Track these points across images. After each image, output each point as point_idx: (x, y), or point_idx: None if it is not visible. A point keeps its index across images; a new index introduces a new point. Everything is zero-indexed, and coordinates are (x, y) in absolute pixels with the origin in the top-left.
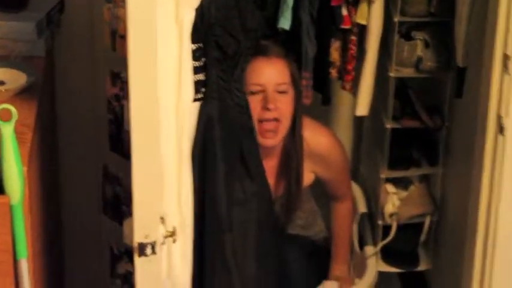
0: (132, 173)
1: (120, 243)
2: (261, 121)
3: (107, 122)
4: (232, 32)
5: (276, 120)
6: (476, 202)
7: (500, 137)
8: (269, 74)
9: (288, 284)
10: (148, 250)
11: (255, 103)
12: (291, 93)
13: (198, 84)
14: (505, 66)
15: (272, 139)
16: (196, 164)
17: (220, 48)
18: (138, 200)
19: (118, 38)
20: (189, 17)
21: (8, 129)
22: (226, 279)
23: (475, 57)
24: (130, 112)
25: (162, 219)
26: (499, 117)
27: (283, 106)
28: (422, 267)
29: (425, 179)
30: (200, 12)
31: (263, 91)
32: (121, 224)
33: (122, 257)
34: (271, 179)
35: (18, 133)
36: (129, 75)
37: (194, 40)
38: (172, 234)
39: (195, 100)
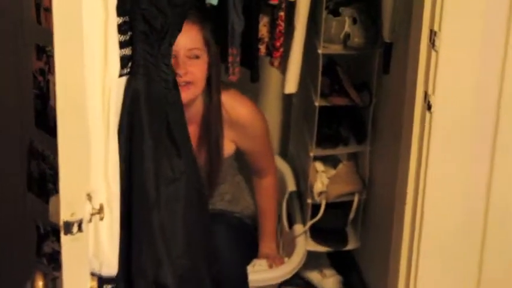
0: (58, 150)
1: (46, 221)
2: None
3: (33, 98)
4: (159, 5)
5: (188, 83)
6: (404, 180)
7: (427, 114)
8: (180, 39)
9: (216, 261)
10: (75, 228)
11: (173, 62)
12: (204, 57)
13: (124, 59)
14: (431, 41)
15: (182, 92)
16: (123, 140)
17: (147, 22)
18: (64, 177)
19: (43, 10)
20: None
21: None
22: (154, 256)
23: (402, 33)
24: (55, 87)
25: (89, 196)
26: (426, 94)
27: (195, 70)
28: (350, 246)
29: (353, 157)
30: None
31: (174, 56)
32: (47, 202)
33: (48, 235)
34: (193, 139)
35: None
36: (54, 49)
37: (120, 13)
38: (99, 211)
39: (122, 75)
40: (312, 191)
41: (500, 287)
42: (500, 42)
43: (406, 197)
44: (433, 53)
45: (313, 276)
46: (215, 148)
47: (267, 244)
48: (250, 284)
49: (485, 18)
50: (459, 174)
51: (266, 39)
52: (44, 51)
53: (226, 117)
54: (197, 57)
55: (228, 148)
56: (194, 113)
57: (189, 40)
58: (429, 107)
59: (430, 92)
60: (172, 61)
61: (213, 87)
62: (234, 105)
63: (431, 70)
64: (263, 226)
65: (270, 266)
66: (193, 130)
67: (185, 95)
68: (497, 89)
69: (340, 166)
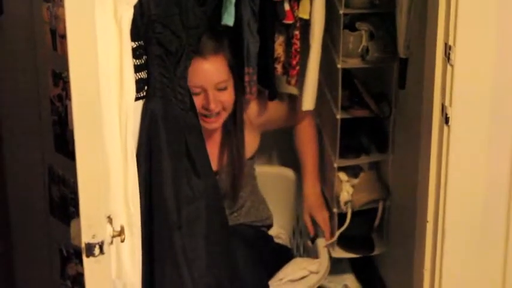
0: (77, 173)
1: (68, 244)
2: (205, 114)
3: (51, 124)
4: (173, 28)
5: (219, 113)
6: (425, 191)
7: (445, 127)
8: (207, 75)
9: (238, 278)
10: (97, 250)
11: (197, 102)
12: (230, 85)
13: (140, 83)
14: (446, 55)
15: (215, 123)
16: (143, 162)
17: (162, 46)
18: (84, 200)
19: (58, 37)
20: (127, 14)
21: None
22: (176, 276)
23: (418, 47)
24: (72, 112)
25: (109, 218)
26: (443, 107)
27: (225, 99)
28: (377, 251)
29: (374, 165)
30: (139, 9)
31: (204, 91)
32: (69, 225)
33: (71, 258)
34: (214, 150)
35: None
36: (70, 74)
37: (134, 38)
38: (120, 233)
39: (138, 98)
40: (338, 201)
41: None
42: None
43: (427, 211)
44: (449, 67)
45: (336, 285)
46: (237, 151)
47: (311, 183)
48: None
49: (499, 31)
50: (479, 186)
51: (282, 58)
52: (61, 77)
53: (247, 122)
54: (225, 88)
55: (253, 144)
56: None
57: (216, 74)
58: (447, 121)
59: (447, 104)
60: (202, 96)
61: (237, 106)
62: (254, 110)
63: (448, 84)
64: (305, 167)
65: (311, 224)
66: (216, 136)
67: (217, 124)
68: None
69: (362, 175)
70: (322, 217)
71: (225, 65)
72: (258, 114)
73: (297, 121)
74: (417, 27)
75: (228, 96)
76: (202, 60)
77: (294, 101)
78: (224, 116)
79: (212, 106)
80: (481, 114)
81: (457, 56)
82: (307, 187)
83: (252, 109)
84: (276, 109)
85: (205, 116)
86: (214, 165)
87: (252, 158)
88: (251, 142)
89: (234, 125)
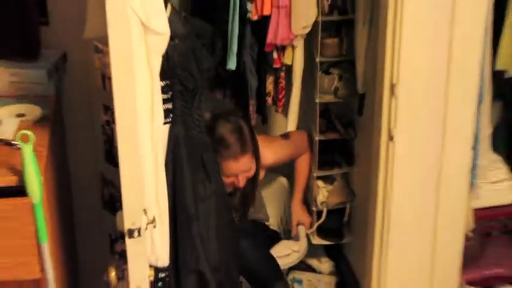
0: (120, 178)
1: (115, 230)
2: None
3: (103, 142)
4: (191, 72)
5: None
6: (375, 193)
7: (390, 144)
8: (238, 169)
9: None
10: (136, 234)
11: (228, 181)
12: (253, 166)
13: (166, 112)
14: (391, 91)
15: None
16: (169, 171)
17: (182, 84)
18: (126, 198)
19: (106, 79)
20: (157, 62)
21: (28, 149)
22: (194, 255)
23: (372, 85)
24: (117, 133)
25: (145, 210)
26: (389, 128)
27: (250, 174)
28: (346, 240)
29: (344, 175)
30: (166, 58)
31: (235, 176)
32: (115, 215)
33: (117, 239)
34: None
35: (36, 151)
36: (115, 106)
37: (162, 78)
38: (152, 221)
39: (165, 123)
40: (316, 201)
41: (447, 267)
42: (441, 92)
43: (377, 206)
44: (393, 99)
45: (313, 262)
46: (251, 192)
47: (299, 194)
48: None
49: (431, 73)
50: (414, 188)
51: (272, 93)
52: (109, 108)
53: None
54: (249, 170)
55: (261, 175)
56: None
57: (244, 167)
58: (391, 138)
59: (392, 127)
60: (232, 178)
61: (256, 174)
62: (263, 154)
63: (392, 111)
64: (297, 183)
65: (296, 227)
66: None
67: (243, 183)
68: (442, 127)
69: (335, 183)
70: (307, 221)
71: (251, 157)
72: (268, 161)
73: (297, 156)
74: (371, 71)
75: (252, 172)
76: (234, 162)
77: (295, 143)
78: (248, 176)
79: (241, 184)
80: (417, 133)
81: (399, 91)
82: (296, 202)
83: (264, 159)
84: (282, 154)
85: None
86: (230, 188)
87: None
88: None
89: (251, 185)
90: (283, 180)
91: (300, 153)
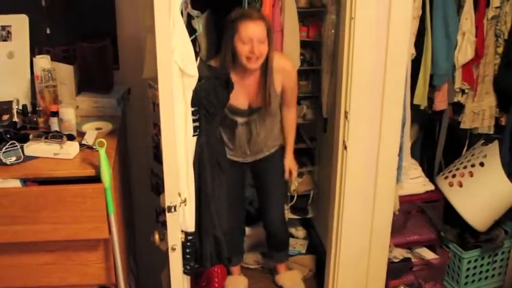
0: (164, 171)
1: (159, 206)
2: (248, 57)
3: (152, 147)
4: (212, 101)
5: (258, 57)
6: (334, 184)
7: (345, 151)
8: (254, 31)
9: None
10: (173, 209)
11: (246, 48)
12: (266, 41)
13: (195, 128)
14: (345, 116)
15: (255, 64)
16: (196, 167)
17: (206, 110)
18: (166, 184)
19: (156, 105)
20: (189, 95)
21: (102, 151)
22: (211, 222)
23: (332, 111)
24: (162, 142)
25: (179, 194)
26: (344, 142)
27: (262, 49)
28: (310, 215)
29: (310, 172)
30: (195, 92)
31: (250, 42)
32: (159, 196)
33: (160, 213)
34: (255, 83)
35: (108, 153)
36: (161, 124)
37: (192, 105)
38: (184, 201)
39: (194, 135)
40: (290, 189)
41: (381, 235)
42: (377, 118)
43: (335, 192)
44: (346, 122)
45: (292, 230)
46: (269, 87)
47: (290, 153)
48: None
49: (370, 106)
50: (360, 182)
51: None
52: (156, 125)
53: (277, 66)
54: (263, 42)
55: (278, 86)
56: (256, 69)
57: (259, 32)
58: (345, 148)
59: (345, 139)
60: (249, 45)
61: (269, 56)
62: (281, 60)
63: (346, 130)
64: (287, 141)
65: (289, 173)
66: (255, 77)
67: (255, 65)
68: (378, 141)
69: (304, 177)
70: (295, 168)
71: (265, 28)
72: (282, 62)
73: (290, 100)
74: (332, 103)
75: (264, 48)
76: (252, 22)
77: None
78: (260, 61)
79: (255, 51)
80: (362, 145)
81: (350, 116)
82: (288, 156)
83: (279, 58)
84: (291, 67)
85: (250, 58)
86: (255, 91)
87: (279, 93)
88: (278, 83)
89: (266, 68)
90: None
91: (294, 99)
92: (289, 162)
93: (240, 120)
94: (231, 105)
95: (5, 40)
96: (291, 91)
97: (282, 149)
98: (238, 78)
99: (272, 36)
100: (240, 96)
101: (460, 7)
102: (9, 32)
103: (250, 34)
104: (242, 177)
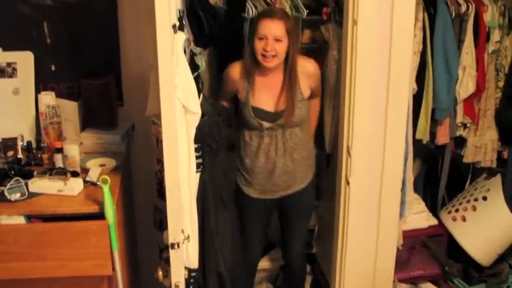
0: (167, 208)
1: (162, 243)
2: (263, 55)
3: (155, 183)
4: (215, 137)
5: (273, 55)
6: (337, 219)
7: (347, 186)
8: (270, 29)
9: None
10: (176, 246)
11: (261, 45)
12: (285, 41)
13: (198, 164)
14: (348, 152)
15: (271, 63)
16: (199, 203)
17: (209, 146)
18: (170, 221)
19: (159, 142)
20: (192, 132)
21: (106, 188)
22: (215, 259)
23: (335, 148)
24: (165, 178)
25: (182, 230)
26: (346, 177)
27: (278, 48)
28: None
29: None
30: (198, 128)
31: (266, 38)
32: (163, 233)
33: (164, 250)
34: (277, 91)
35: (112, 189)
36: (164, 160)
37: (195, 142)
38: (187, 238)
39: (197, 172)
40: None
41: (385, 270)
42: (380, 153)
43: (339, 229)
44: (349, 158)
45: None
46: (293, 88)
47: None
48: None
49: (372, 142)
50: (363, 217)
51: None
52: (160, 161)
53: (303, 70)
54: (280, 40)
55: (307, 91)
56: (278, 70)
57: (275, 30)
58: (348, 183)
59: (348, 175)
60: (264, 42)
61: (290, 55)
62: (304, 62)
63: (349, 166)
64: (312, 126)
65: None
66: (279, 78)
67: (271, 63)
68: (380, 176)
69: None
70: None
71: (283, 27)
72: (308, 66)
73: (317, 93)
74: (335, 139)
75: (280, 47)
76: (270, 20)
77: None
78: (276, 60)
79: (268, 49)
80: (365, 180)
81: (353, 152)
82: None
83: (304, 62)
84: (316, 69)
85: (264, 56)
86: (279, 93)
87: (307, 98)
88: (306, 88)
89: (290, 70)
90: None
91: (319, 92)
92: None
93: (265, 124)
94: (254, 108)
95: (10, 77)
96: (317, 88)
97: (314, 185)
98: (262, 77)
99: (294, 38)
100: (265, 96)
101: (460, 42)
102: (14, 69)
103: (267, 31)
104: (264, 217)
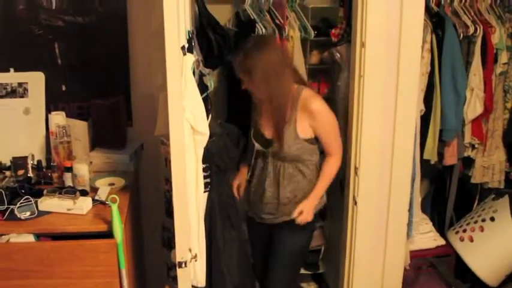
0: (175, 227)
1: (170, 261)
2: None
3: (164, 202)
4: (224, 158)
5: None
6: (345, 239)
7: (355, 207)
8: (235, 63)
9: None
10: (183, 265)
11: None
12: (248, 78)
13: (206, 184)
14: (355, 172)
15: (253, 95)
16: (207, 222)
17: (218, 167)
18: (178, 240)
19: (168, 161)
20: (201, 152)
21: (115, 207)
22: (222, 277)
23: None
24: (173, 198)
25: (190, 249)
26: (354, 197)
27: (247, 85)
28: (321, 270)
29: (321, 227)
30: (206, 149)
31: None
32: (171, 251)
33: (171, 268)
34: (270, 119)
35: (120, 209)
36: (173, 180)
37: (203, 162)
38: (195, 257)
39: (205, 191)
40: None
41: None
42: (387, 173)
43: (346, 247)
44: (356, 178)
45: (304, 285)
46: (279, 121)
47: (312, 196)
48: None
49: (380, 162)
50: (370, 237)
51: None
52: (168, 181)
53: (305, 107)
54: (243, 77)
55: (307, 131)
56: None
57: (236, 69)
58: (356, 203)
59: (356, 195)
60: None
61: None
62: (310, 100)
63: (356, 186)
64: (317, 186)
65: (299, 214)
66: (267, 108)
67: (253, 96)
68: (387, 196)
69: (315, 232)
70: (308, 213)
71: (240, 67)
72: (310, 105)
73: (330, 150)
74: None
75: (248, 85)
76: (239, 53)
77: (334, 130)
78: (255, 94)
79: (243, 86)
80: (372, 201)
81: (360, 172)
82: (309, 198)
83: (307, 99)
84: (320, 109)
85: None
86: (271, 122)
87: (309, 138)
88: (307, 127)
89: (274, 105)
90: None
91: (333, 146)
92: (306, 204)
93: (258, 146)
94: (257, 129)
95: (21, 96)
96: (325, 136)
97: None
98: (260, 102)
99: (266, 74)
100: (266, 121)
101: (468, 63)
102: (25, 89)
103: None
104: (262, 240)
